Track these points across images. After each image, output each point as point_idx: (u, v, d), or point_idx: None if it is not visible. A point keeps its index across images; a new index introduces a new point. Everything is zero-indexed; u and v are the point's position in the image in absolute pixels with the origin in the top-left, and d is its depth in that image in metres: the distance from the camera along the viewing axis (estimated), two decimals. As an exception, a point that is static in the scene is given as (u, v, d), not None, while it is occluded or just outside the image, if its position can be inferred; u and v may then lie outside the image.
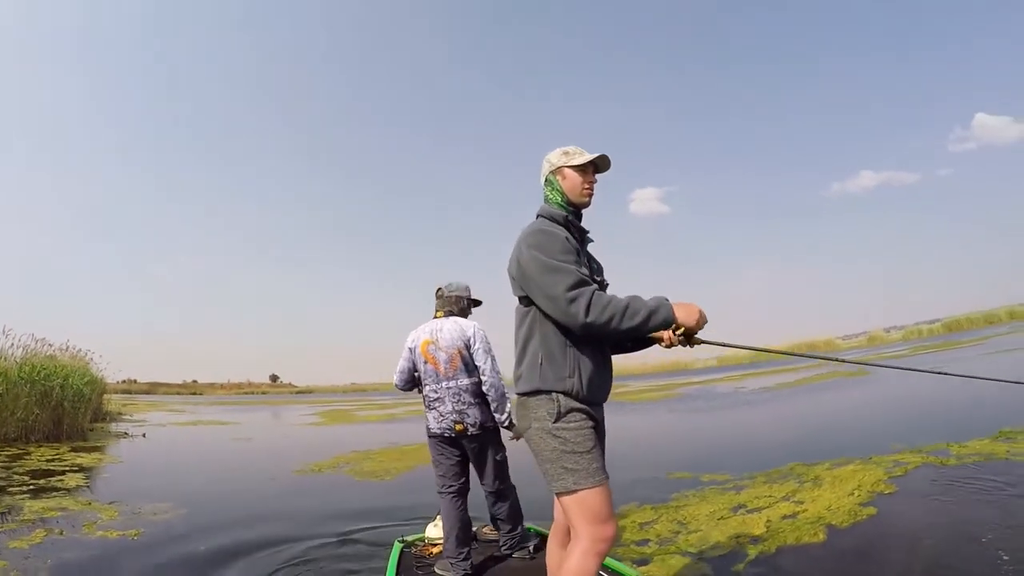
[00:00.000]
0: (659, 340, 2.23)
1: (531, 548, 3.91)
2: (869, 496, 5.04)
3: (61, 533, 5.69)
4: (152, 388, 76.78)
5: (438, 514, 4.05)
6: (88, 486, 8.46)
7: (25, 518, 6.22)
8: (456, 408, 3.73)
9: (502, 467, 3.94)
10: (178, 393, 75.19)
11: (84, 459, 11.13)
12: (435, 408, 3.79)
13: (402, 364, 3.98)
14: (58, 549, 5.16)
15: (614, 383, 2.34)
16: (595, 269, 2.38)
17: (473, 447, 3.82)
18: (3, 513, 6.47)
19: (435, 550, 4.04)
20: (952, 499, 4.82)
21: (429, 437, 3.88)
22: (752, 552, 4.10)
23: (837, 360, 2.83)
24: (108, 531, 5.77)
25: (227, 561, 4.85)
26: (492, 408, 3.80)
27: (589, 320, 1.97)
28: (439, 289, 4.07)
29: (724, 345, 2.21)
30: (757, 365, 38.52)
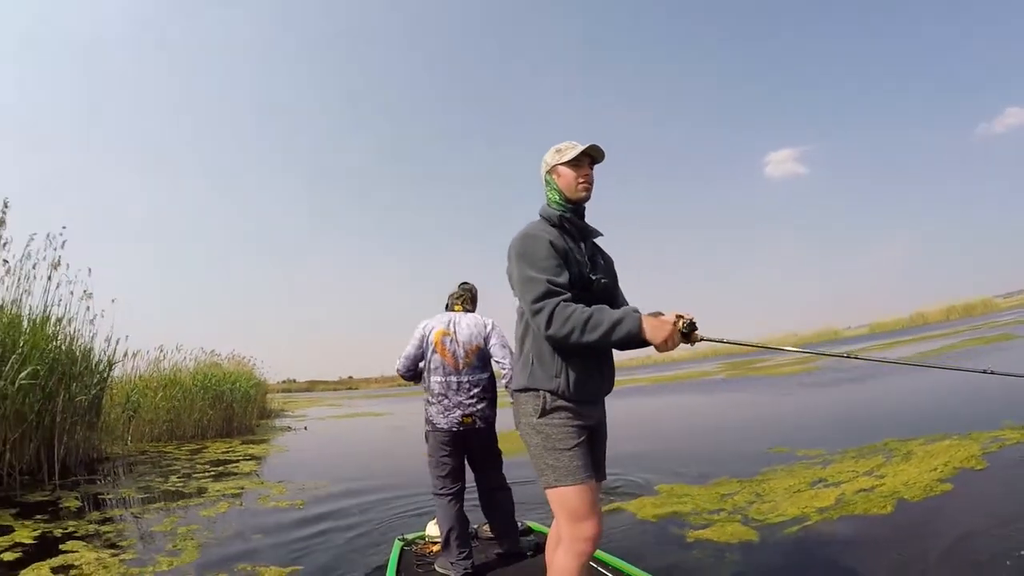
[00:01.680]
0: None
1: (530, 546, 3.88)
2: (953, 472, 4.98)
3: (240, 505, 6.88)
4: (311, 386, 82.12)
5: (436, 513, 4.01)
6: (259, 471, 9.81)
7: (210, 496, 7.52)
8: (465, 402, 3.66)
9: (501, 464, 3.94)
10: (335, 389, 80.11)
11: (254, 450, 12.73)
12: (440, 402, 3.69)
13: (410, 351, 3.85)
14: (239, 516, 6.36)
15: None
16: (598, 266, 2.33)
17: (477, 442, 3.77)
18: (193, 493, 7.79)
19: (435, 548, 3.99)
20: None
21: (432, 432, 3.74)
22: (811, 521, 4.25)
23: (846, 357, 2.44)
24: (278, 502, 6.90)
25: (371, 519, 5.91)
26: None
27: (550, 333, 2.01)
28: (464, 283, 4.08)
29: (724, 342, 2.15)
30: (910, 332, 36.32)
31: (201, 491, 7.94)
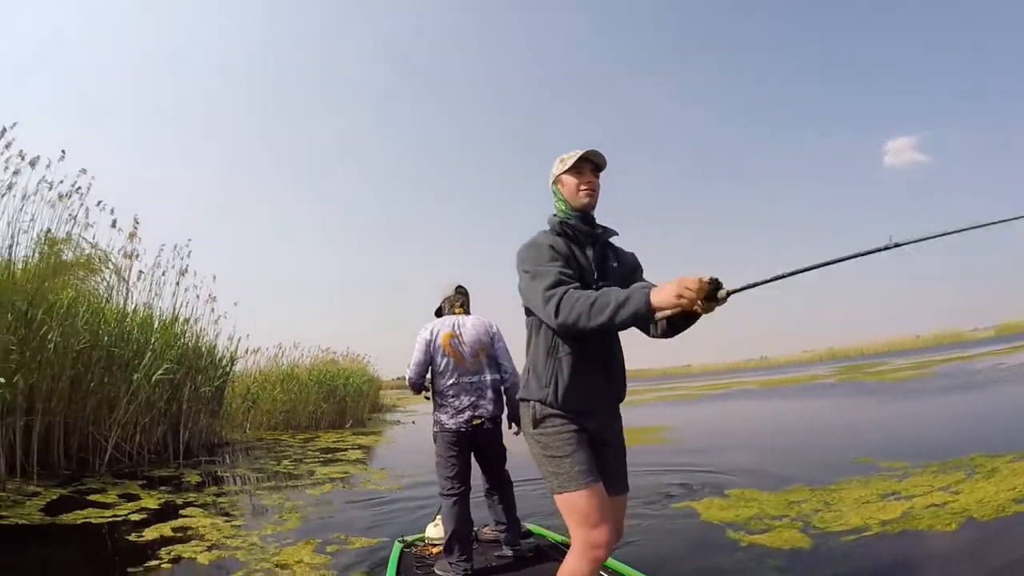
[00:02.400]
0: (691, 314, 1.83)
1: (530, 548, 3.84)
2: None
3: (344, 487, 7.34)
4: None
5: (438, 514, 4.00)
6: (365, 459, 10.33)
7: (317, 478, 8.02)
8: (474, 403, 3.67)
9: (505, 466, 3.93)
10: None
11: (363, 440, 13.40)
12: (450, 403, 3.68)
13: (420, 357, 3.80)
14: (341, 495, 6.80)
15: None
16: (608, 270, 2.25)
17: (484, 442, 3.76)
18: (302, 475, 8.37)
19: (435, 550, 3.96)
20: None
21: (441, 433, 3.71)
22: (870, 533, 4.05)
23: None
24: (377, 486, 7.29)
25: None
26: (507, 404, 3.82)
27: (560, 320, 1.92)
28: (460, 286, 4.06)
29: (752, 286, 1.72)
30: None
31: (309, 473, 8.47)
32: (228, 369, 11.83)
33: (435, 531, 4.10)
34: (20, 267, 7.75)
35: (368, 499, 6.48)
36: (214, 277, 11.32)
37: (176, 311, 10.59)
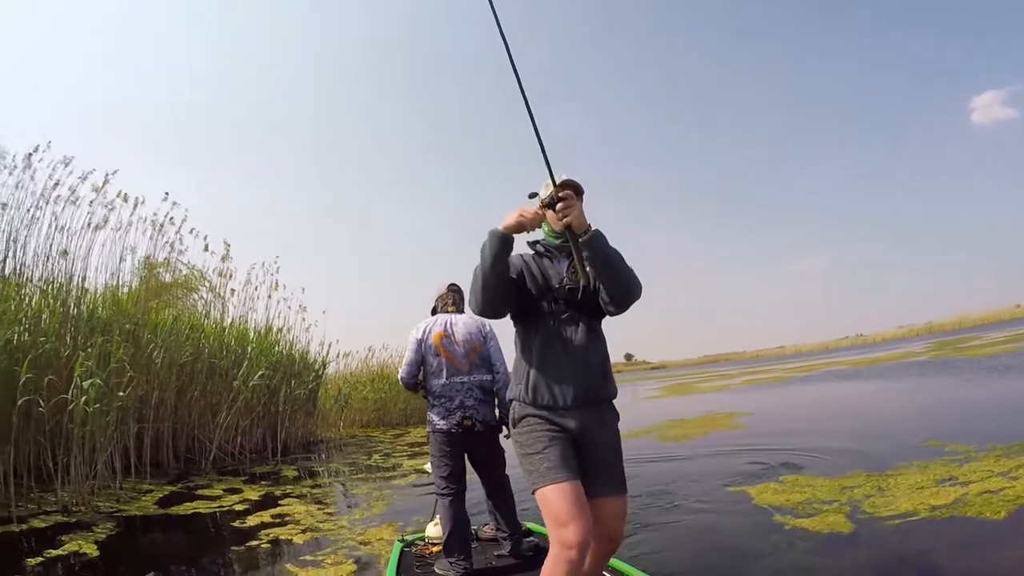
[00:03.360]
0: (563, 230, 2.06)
1: (530, 547, 3.78)
2: None
3: (423, 476, 7.70)
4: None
5: (437, 513, 4.01)
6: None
7: (403, 470, 8.51)
8: (465, 403, 3.61)
9: (502, 466, 3.83)
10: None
11: (448, 432, 13.83)
12: (442, 404, 3.62)
13: (412, 356, 3.76)
14: (424, 485, 7.12)
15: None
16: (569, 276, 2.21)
17: (477, 444, 3.70)
18: (390, 468, 8.90)
19: (435, 549, 3.94)
20: None
21: (433, 433, 3.67)
22: (916, 518, 3.95)
23: None
24: None
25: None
26: (499, 406, 3.76)
27: (469, 298, 2.13)
28: (453, 284, 4.03)
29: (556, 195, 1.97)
30: None
31: (396, 466, 8.95)
32: (320, 372, 12.55)
33: (435, 530, 4.07)
34: (125, 292, 8.55)
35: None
36: (303, 289, 12.11)
37: (269, 322, 11.41)
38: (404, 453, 10.66)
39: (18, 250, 7.19)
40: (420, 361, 3.74)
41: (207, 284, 10.99)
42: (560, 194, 1.95)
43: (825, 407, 12.63)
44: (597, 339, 2.19)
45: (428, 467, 4.04)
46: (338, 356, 14.76)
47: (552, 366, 2.12)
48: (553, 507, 1.96)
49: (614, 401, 2.25)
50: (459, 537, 3.51)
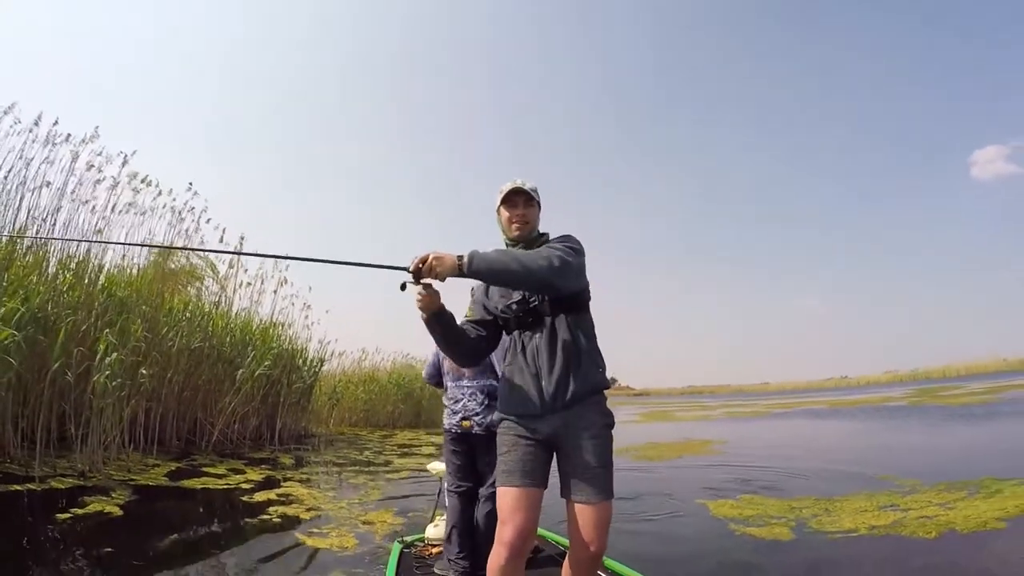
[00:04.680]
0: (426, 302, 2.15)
1: (531, 549, 3.67)
2: (1019, 514, 4.71)
3: (418, 474, 8.09)
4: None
5: (437, 515, 4.12)
6: (439, 454, 11.13)
7: (395, 466, 8.93)
8: (468, 406, 3.70)
9: None
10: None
11: (437, 439, 14.17)
12: (451, 405, 3.77)
13: (431, 359, 4.03)
14: (415, 478, 7.61)
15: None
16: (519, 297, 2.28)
17: (478, 446, 3.74)
18: (381, 463, 9.32)
19: (434, 551, 3.99)
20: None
21: (444, 432, 3.82)
22: (855, 535, 4.40)
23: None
24: None
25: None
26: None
27: None
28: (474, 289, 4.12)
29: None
30: None
31: (388, 463, 9.38)
32: (317, 369, 12.90)
33: (434, 532, 4.12)
34: (135, 273, 8.87)
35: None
36: (310, 288, 12.43)
37: (273, 316, 11.80)
38: (393, 452, 11.08)
39: (48, 225, 7.53)
40: (437, 363, 3.94)
41: (213, 274, 11.42)
42: (411, 268, 2.02)
43: (795, 441, 13.13)
44: (560, 341, 2.18)
45: (429, 467, 4.42)
46: (333, 355, 15.13)
47: (518, 375, 2.21)
48: (499, 507, 2.14)
49: (613, 402, 2.33)
50: (460, 534, 3.61)
